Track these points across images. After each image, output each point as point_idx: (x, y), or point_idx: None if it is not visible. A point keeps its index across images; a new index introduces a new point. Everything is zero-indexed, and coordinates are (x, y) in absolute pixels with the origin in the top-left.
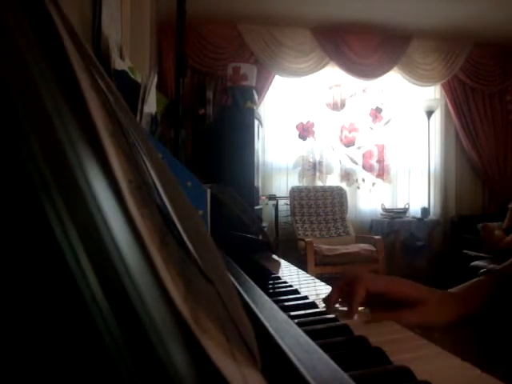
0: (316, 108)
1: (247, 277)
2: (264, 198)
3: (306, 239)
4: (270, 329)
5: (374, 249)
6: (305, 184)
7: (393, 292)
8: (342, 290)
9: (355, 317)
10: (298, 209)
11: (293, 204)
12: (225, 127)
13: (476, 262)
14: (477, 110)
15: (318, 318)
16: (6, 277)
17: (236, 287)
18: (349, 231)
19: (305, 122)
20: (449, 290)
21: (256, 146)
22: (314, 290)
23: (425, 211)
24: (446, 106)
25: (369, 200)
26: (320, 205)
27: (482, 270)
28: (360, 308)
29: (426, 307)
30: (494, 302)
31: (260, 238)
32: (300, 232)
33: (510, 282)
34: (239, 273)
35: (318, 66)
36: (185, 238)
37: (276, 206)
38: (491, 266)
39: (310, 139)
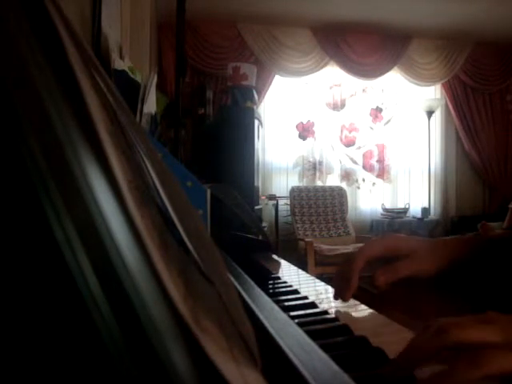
0: (316, 108)
1: (247, 277)
2: (264, 197)
3: (306, 239)
4: (270, 329)
5: None
6: (305, 184)
7: (385, 252)
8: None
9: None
10: (298, 209)
11: (293, 204)
12: (225, 127)
13: None
14: (477, 109)
15: (318, 318)
16: (5, 277)
17: (236, 287)
18: (349, 231)
19: (305, 122)
20: (440, 238)
21: (256, 146)
22: (314, 290)
23: (425, 211)
24: (446, 105)
25: (369, 200)
26: (320, 205)
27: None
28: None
29: (418, 255)
30: (478, 259)
31: (260, 237)
32: (300, 232)
33: (497, 246)
34: (239, 273)
35: (318, 66)
36: (185, 238)
37: (276, 206)
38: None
39: (309, 139)
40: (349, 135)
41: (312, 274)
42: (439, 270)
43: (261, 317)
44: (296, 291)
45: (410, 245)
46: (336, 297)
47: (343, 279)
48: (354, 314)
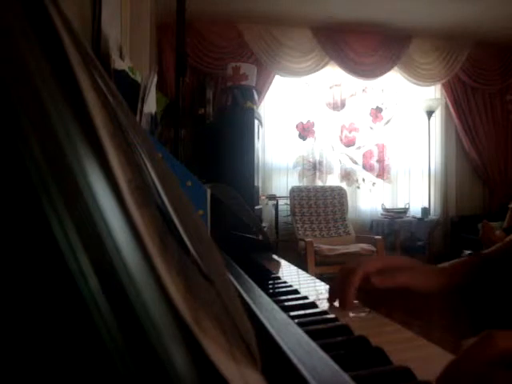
0: (316, 108)
1: (247, 277)
2: (264, 197)
3: (306, 239)
4: (270, 329)
5: (374, 249)
6: (305, 184)
7: (384, 268)
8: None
9: (350, 313)
10: (298, 209)
11: (293, 204)
12: (225, 127)
13: None
14: (477, 109)
15: (318, 318)
16: (5, 277)
17: (236, 287)
18: (349, 231)
19: (305, 122)
20: (440, 266)
21: (256, 146)
22: (314, 289)
23: (425, 211)
24: (446, 105)
25: (369, 200)
26: (320, 205)
27: (467, 252)
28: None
29: (418, 272)
30: (476, 281)
31: (260, 237)
32: (300, 232)
33: (492, 265)
34: (239, 273)
35: (318, 66)
36: (185, 238)
37: (276, 206)
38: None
39: (309, 139)
40: (349, 135)
41: (312, 274)
42: (441, 290)
43: (261, 317)
44: (296, 291)
45: (410, 264)
46: (331, 301)
47: (341, 290)
48: (353, 314)
